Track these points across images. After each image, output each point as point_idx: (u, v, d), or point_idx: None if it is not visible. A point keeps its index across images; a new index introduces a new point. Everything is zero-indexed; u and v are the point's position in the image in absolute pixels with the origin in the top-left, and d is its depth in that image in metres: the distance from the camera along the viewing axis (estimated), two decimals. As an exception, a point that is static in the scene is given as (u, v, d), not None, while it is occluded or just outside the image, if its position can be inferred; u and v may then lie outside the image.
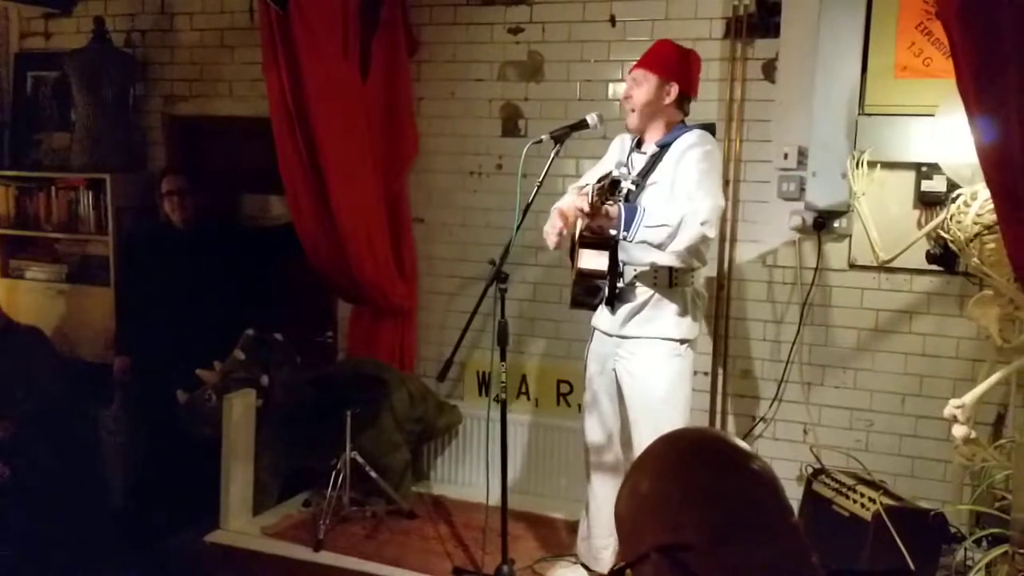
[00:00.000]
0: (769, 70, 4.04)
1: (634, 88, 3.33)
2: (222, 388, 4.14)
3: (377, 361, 4.46)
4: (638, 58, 4.18)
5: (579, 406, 4.38)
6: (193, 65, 5.13)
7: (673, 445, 1.23)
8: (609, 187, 3.06)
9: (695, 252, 3.25)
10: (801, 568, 1.14)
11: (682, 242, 3.12)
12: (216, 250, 4.69)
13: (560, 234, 3.35)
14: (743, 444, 1.22)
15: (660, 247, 3.16)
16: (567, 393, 4.51)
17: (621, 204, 3.14)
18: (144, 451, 4.82)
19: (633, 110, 3.34)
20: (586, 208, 3.11)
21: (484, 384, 4.66)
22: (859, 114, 3.81)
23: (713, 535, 1.11)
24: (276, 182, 4.50)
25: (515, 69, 4.48)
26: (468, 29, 4.53)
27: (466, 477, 4.63)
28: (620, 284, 3.33)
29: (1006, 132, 1.46)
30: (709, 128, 3.41)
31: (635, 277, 3.34)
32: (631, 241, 3.14)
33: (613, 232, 3.16)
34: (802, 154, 3.94)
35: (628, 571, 1.17)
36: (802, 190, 3.95)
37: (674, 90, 3.34)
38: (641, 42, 4.16)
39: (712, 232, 3.18)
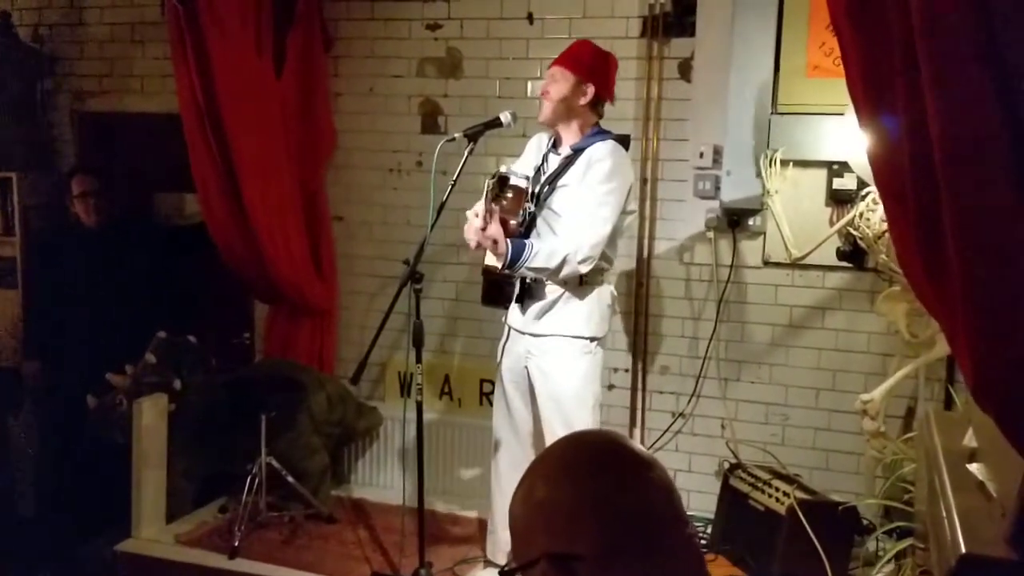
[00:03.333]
0: (685, 69, 4.07)
1: (551, 84, 3.34)
2: (133, 393, 4.03)
3: (294, 363, 4.39)
4: (556, 55, 4.21)
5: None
6: (103, 60, 4.98)
7: (569, 450, 1.20)
8: (498, 183, 3.08)
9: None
10: None
11: (557, 278, 3.27)
12: (128, 250, 4.54)
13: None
14: (641, 450, 1.20)
15: (535, 279, 3.30)
16: (490, 393, 4.48)
17: (509, 242, 3.16)
18: (55, 458, 4.67)
19: (544, 104, 3.35)
20: (479, 224, 3.15)
21: (405, 385, 4.61)
22: (772, 113, 3.86)
23: (605, 546, 1.08)
24: (191, 180, 4.39)
25: (434, 65, 4.44)
26: (386, 24, 4.48)
27: (387, 480, 4.57)
28: (530, 281, 3.36)
29: (894, 135, 1.47)
30: (624, 141, 3.43)
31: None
32: (512, 275, 3.26)
33: (499, 264, 3.19)
34: (717, 153, 3.98)
35: (519, 574, 1.15)
36: (718, 188, 3.99)
37: (590, 91, 3.35)
38: (559, 40, 4.16)
39: (586, 268, 3.26)
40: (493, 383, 4.43)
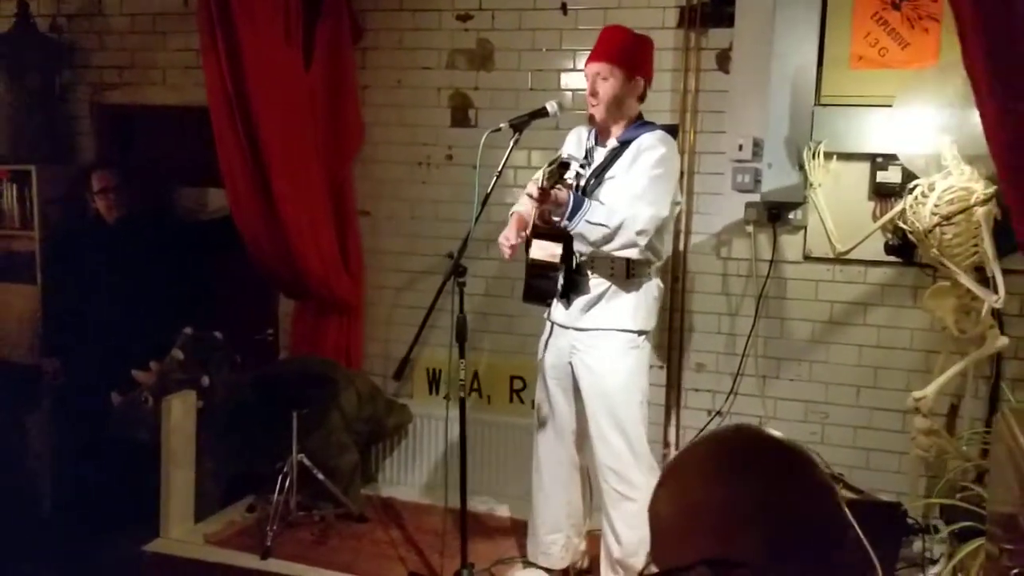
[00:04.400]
0: (723, 60, 3.99)
1: (600, 84, 3.23)
2: (159, 389, 3.96)
3: (323, 359, 4.30)
4: (591, 47, 4.12)
5: (533, 403, 4.32)
6: (123, 51, 4.88)
7: (726, 448, 1.11)
8: (559, 169, 2.99)
9: (639, 252, 3.17)
10: None
11: (614, 246, 3.12)
12: (150, 246, 4.46)
13: (513, 245, 3.27)
14: (801, 449, 1.11)
15: (592, 244, 3.13)
16: (520, 389, 4.41)
17: (571, 192, 3.07)
18: (75, 456, 4.58)
19: (596, 105, 3.25)
20: (534, 193, 3.05)
21: (434, 382, 4.54)
22: (815, 104, 3.77)
23: (772, 552, 1.00)
24: (213, 174, 4.31)
25: (464, 57, 4.36)
26: (415, 15, 4.39)
27: (416, 479, 4.50)
28: (576, 275, 3.27)
29: (1018, 114, 1.39)
30: (671, 130, 3.35)
31: (591, 268, 3.26)
32: (572, 231, 3.12)
33: (557, 219, 3.10)
34: (757, 145, 3.91)
35: None
36: (757, 181, 3.91)
37: (641, 84, 3.29)
38: (593, 31, 4.06)
39: (643, 241, 3.13)
40: (523, 379, 4.40)
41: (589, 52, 4.12)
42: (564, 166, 2.98)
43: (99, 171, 4.51)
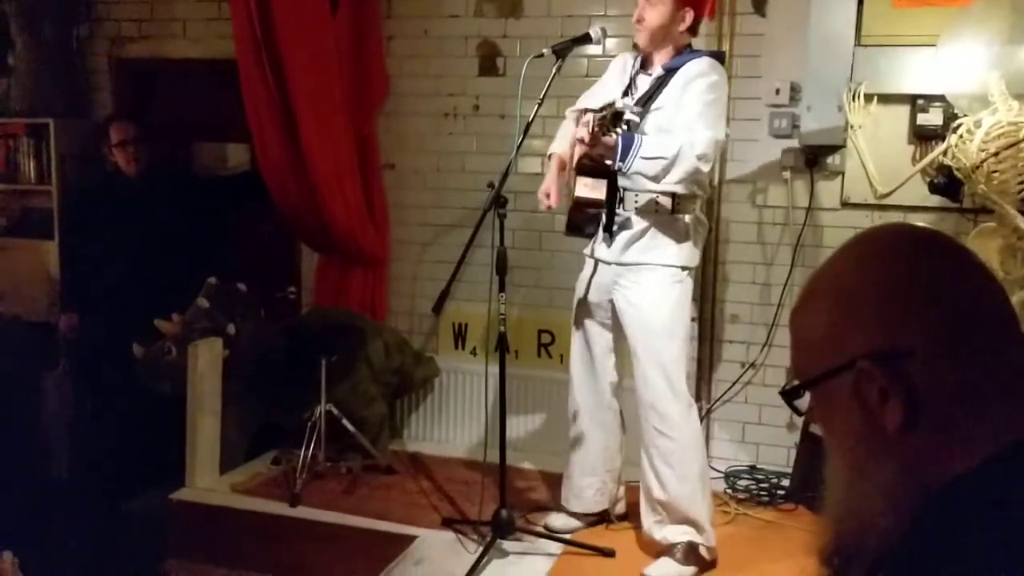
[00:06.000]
0: (760, 3, 3.92)
1: (647, 9, 3.13)
2: (183, 339, 3.87)
3: (349, 310, 4.23)
4: (621, -7, 4.03)
5: (561, 357, 4.25)
6: (142, 3, 4.80)
7: (882, 235, 1.01)
8: (612, 119, 2.90)
9: (692, 183, 3.12)
10: None
11: (676, 175, 3.02)
12: (169, 199, 4.37)
13: (552, 204, 3.23)
14: (962, 243, 1.02)
15: (654, 179, 3.04)
16: (548, 344, 4.33)
17: (620, 134, 2.99)
18: (95, 411, 4.50)
19: (640, 31, 3.16)
20: (586, 139, 2.97)
21: (460, 337, 4.46)
22: (856, 45, 3.70)
23: (944, 337, 0.90)
24: (233, 129, 4.23)
25: (492, 5, 4.28)
26: (442, -38, 4.33)
27: (442, 434, 4.42)
28: (619, 212, 3.18)
29: None
30: (718, 56, 3.27)
31: (635, 203, 3.18)
32: (626, 173, 3.04)
33: (609, 162, 3.02)
34: (794, 89, 3.83)
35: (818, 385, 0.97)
36: (794, 127, 3.84)
37: (689, 17, 3.16)
38: (625, -25, 4.01)
39: (707, 166, 3.05)
40: (551, 334, 4.32)
41: (620, -2, 4.07)
42: (618, 115, 2.88)
43: (118, 123, 4.43)
